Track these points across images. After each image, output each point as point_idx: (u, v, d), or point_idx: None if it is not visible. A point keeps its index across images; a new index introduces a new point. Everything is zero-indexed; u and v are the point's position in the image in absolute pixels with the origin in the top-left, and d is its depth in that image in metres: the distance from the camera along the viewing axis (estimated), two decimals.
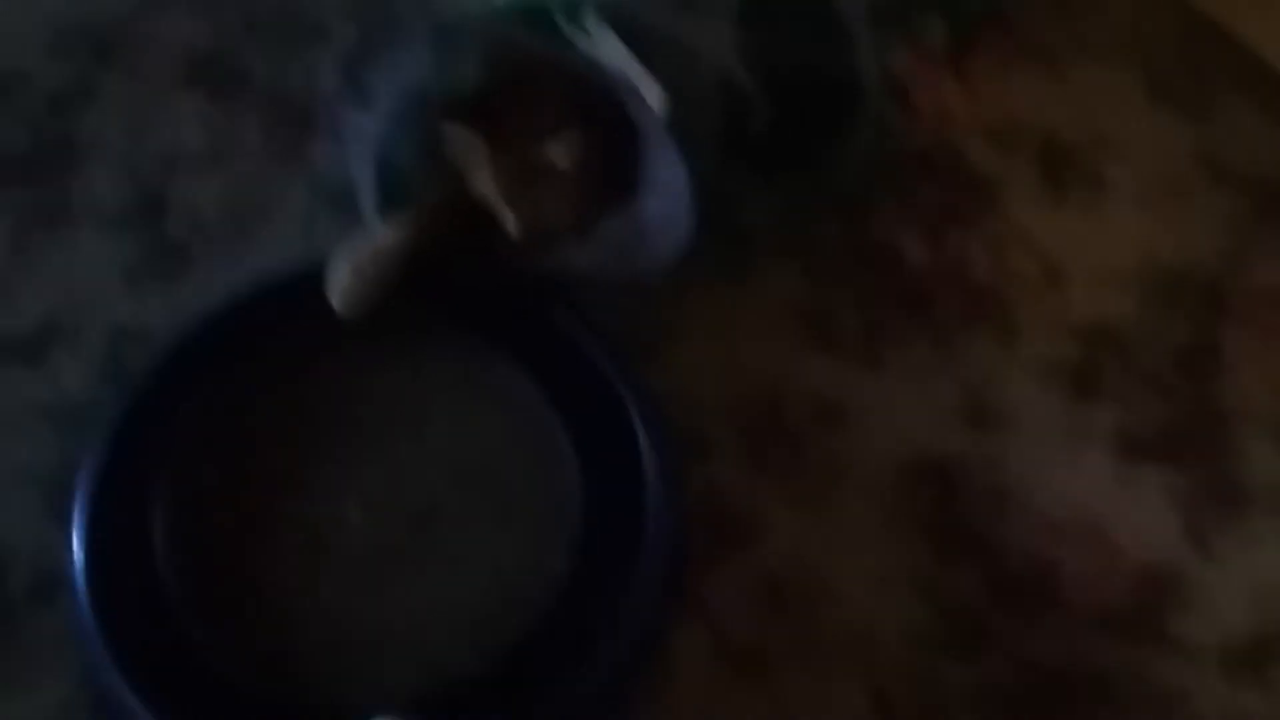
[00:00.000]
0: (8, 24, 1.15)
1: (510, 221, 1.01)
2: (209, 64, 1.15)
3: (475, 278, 1.03)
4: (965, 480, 1.05)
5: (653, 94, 0.98)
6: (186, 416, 1.01)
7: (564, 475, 0.98)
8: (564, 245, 1.04)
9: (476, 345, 1.02)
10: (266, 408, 1.01)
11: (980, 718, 0.99)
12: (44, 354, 1.06)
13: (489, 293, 1.03)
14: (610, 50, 0.99)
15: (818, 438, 1.06)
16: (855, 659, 1.01)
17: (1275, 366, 1.08)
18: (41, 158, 1.11)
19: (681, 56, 1.01)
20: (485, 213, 1.02)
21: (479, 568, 0.97)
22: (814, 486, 1.05)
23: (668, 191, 1.00)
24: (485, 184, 1.02)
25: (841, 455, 1.06)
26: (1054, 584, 1.02)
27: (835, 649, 1.01)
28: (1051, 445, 1.06)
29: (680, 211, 1.00)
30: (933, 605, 1.02)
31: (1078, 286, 1.11)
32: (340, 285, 0.98)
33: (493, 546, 0.97)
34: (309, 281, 1.02)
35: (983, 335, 1.10)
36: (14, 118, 1.13)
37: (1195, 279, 1.11)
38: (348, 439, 1.00)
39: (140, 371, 1.02)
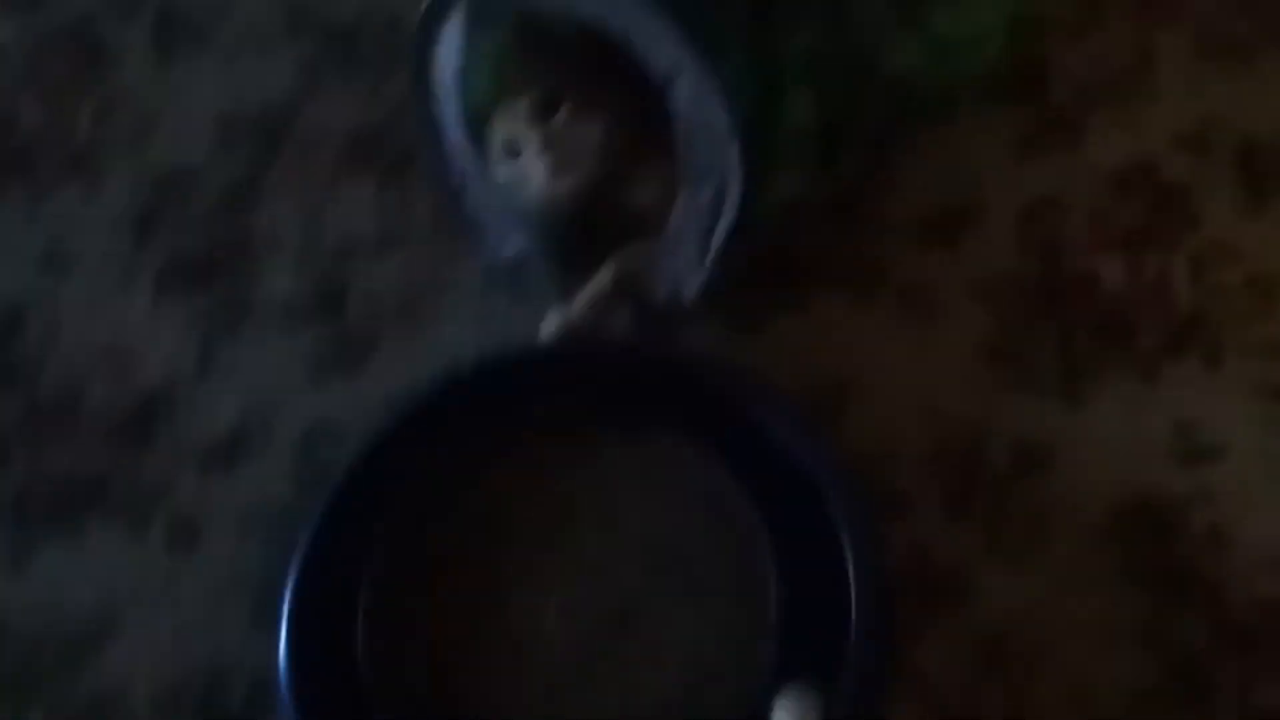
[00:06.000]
0: (172, 121, 1.16)
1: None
2: (374, 145, 1.14)
3: (645, 358, 1.02)
4: (1181, 521, 1.01)
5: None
6: (381, 519, 1.00)
7: (759, 557, 0.96)
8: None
9: (654, 429, 1.00)
10: (458, 506, 1.00)
11: None
12: (239, 458, 1.07)
13: (660, 371, 1.01)
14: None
15: (1022, 484, 1.03)
16: (1078, 716, 0.97)
17: None
18: (220, 258, 1.12)
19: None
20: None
21: (680, 661, 0.95)
22: (1022, 537, 1.02)
23: (710, 178, 0.98)
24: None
25: (1049, 502, 1.02)
26: None
27: (1057, 707, 0.98)
28: (1269, 476, 1.01)
29: (732, 197, 0.98)
30: (1155, 655, 0.98)
31: None
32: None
33: (692, 638, 0.95)
34: (493, 372, 1.02)
35: (1189, 361, 1.05)
36: (190, 217, 1.13)
37: None
38: (538, 539, 0.99)
39: (335, 473, 1.02)
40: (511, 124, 1.02)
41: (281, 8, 1.19)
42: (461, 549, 1.00)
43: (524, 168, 1.02)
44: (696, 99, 0.97)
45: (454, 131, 1.05)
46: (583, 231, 1.07)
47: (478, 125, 1.05)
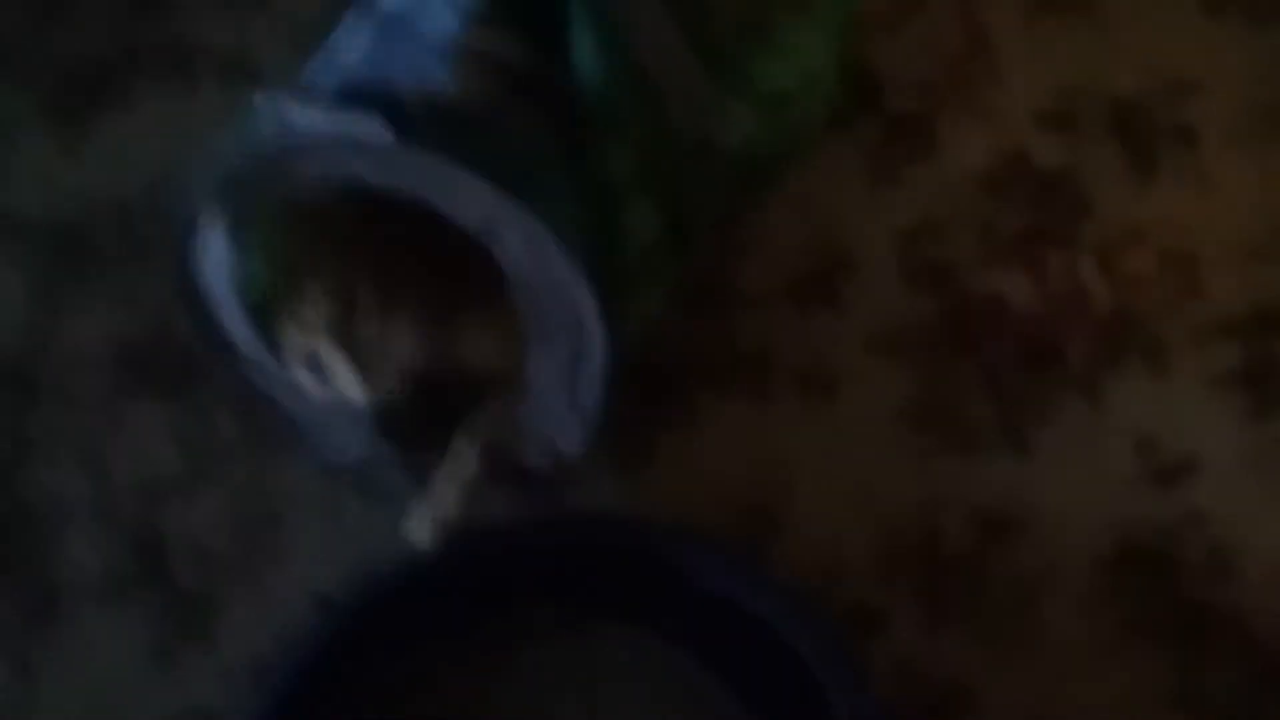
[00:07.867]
0: None
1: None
2: (148, 362, 0.96)
3: (553, 536, 0.87)
4: (1177, 553, 0.90)
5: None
6: None
7: None
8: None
9: (587, 619, 0.86)
10: None
11: None
12: None
13: (573, 547, 0.86)
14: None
15: (995, 560, 0.90)
16: None
17: None
18: (2, 542, 0.93)
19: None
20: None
21: None
22: (1010, 621, 0.89)
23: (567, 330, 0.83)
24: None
25: (1029, 572, 0.90)
26: None
27: None
28: (1253, 476, 0.91)
29: (594, 343, 0.83)
30: (1197, 718, 0.87)
31: (1215, 271, 0.95)
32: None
33: None
34: (381, 602, 0.86)
35: (1129, 368, 0.93)
36: None
37: None
38: None
39: None
40: (306, 336, 0.85)
41: None
42: None
43: (332, 382, 0.86)
44: (528, 251, 0.81)
45: (242, 338, 0.88)
46: (423, 404, 0.91)
47: (266, 323, 0.88)
